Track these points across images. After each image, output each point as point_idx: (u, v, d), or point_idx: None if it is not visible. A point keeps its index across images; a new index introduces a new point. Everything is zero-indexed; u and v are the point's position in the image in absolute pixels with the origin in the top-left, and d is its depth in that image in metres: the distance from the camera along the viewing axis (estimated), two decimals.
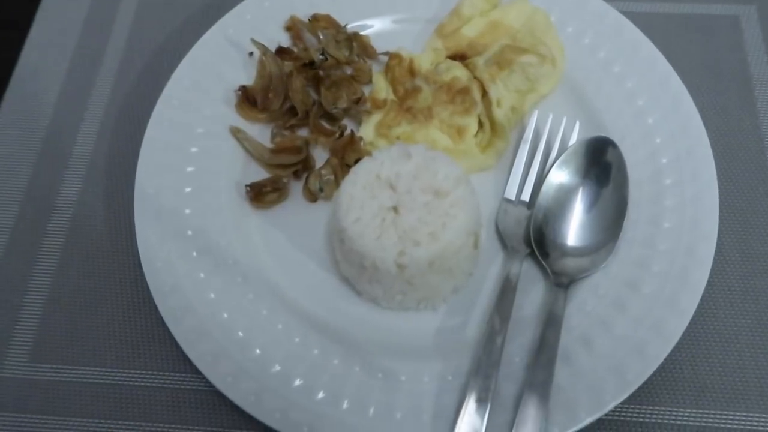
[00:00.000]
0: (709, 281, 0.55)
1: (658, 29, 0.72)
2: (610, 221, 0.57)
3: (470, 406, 0.49)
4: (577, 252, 0.56)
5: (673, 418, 0.54)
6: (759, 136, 0.68)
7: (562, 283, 0.55)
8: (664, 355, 0.51)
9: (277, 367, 0.53)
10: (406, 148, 0.55)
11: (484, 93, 0.65)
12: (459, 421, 0.48)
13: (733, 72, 0.71)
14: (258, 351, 0.54)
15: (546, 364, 0.50)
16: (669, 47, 0.69)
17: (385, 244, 0.51)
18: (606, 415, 0.52)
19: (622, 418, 0.54)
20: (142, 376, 0.58)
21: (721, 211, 0.58)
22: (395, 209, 0.52)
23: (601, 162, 0.59)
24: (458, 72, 0.67)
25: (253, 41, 0.67)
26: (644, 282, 0.55)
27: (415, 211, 0.52)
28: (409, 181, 0.53)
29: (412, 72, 0.68)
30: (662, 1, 0.77)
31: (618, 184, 0.58)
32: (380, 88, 0.68)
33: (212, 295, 0.57)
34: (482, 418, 0.48)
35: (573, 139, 0.62)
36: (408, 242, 0.51)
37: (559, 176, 0.59)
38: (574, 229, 0.57)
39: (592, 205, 0.58)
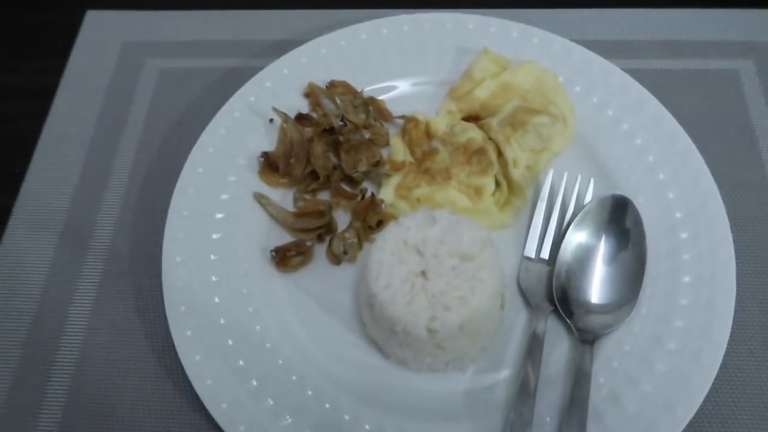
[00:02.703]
0: (731, 334, 0.56)
1: (661, 85, 0.75)
2: (631, 277, 0.58)
3: None
4: (600, 309, 0.58)
5: None
6: (766, 187, 0.70)
7: (587, 339, 0.56)
8: (693, 411, 0.52)
9: None
10: (431, 213, 0.57)
11: (500, 153, 0.68)
12: None
13: (736, 124, 0.74)
14: (289, 419, 0.55)
15: (578, 423, 0.51)
16: (673, 102, 0.72)
17: (416, 309, 0.52)
18: None
19: None
20: None
21: (737, 261, 0.60)
22: (424, 274, 0.54)
23: (618, 219, 0.61)
24: (473, 133, 0.69)
25: (275, 109, 0.70)
26: (667, 337, 0.56)
27: (443, 276, 0.53)
28: (435, 246, 0.54)
29: (428, 134, 0.70)
30: (662, 59, 0.80)
31: (636, 240, 0.60)
32: (398, 150, 0.71)
33: (241, 363, 0.58)
34: None
35: (588, 196, 0.64)
36: (438, 307, 0.52)
37: (579, 234, 0.60)
38: (596, 287, 0.58)
39: (612, 261, 0.59)
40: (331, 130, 0.70)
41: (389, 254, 0.55)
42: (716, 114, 0.75)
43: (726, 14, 0.83)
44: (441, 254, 0.54)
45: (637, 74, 0.75)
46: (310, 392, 0.57)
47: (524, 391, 0.53)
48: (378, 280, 0.54)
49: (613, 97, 0.72)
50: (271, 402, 0.56)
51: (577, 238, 0.60)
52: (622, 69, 0.74)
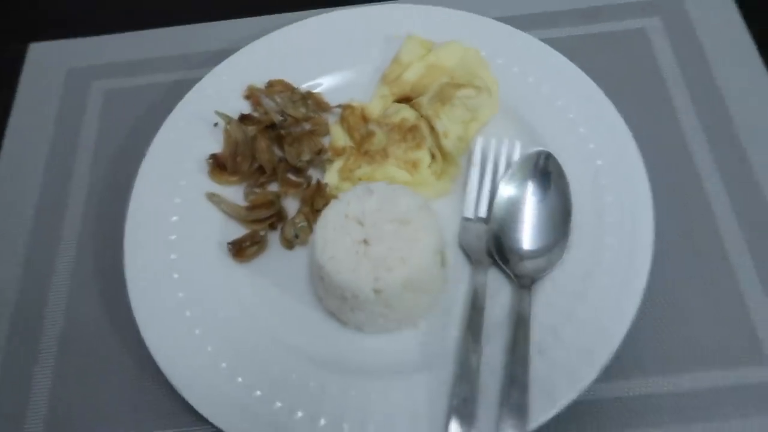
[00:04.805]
0: (654, 260, 0.61)
1: (577, 50, 0.80)
2: (559, 222, 0.63)
3: (458, 407, 0.53)
4: (532, 254, 0.62)
5: (644, 388, 0.60)
6: (679, 130, 0.75)
7: (525, 284, 0.61)
8: (624, 330, 0.57)
9: (279, 404, 0.58)
10: (367, 186, 0.61)
11: (432, 128, 0.73)
12: (451, 423, 0.53)
13: (648, 77, 0.80)
14: (259, 392, 0.59)
15: (521, 359, 0.56)
16: (588, 64, 0.77)
17: (361, 274, 0.56)
18: (583, 396, 0.57)
19: (598, 397, 0.59)
20: None
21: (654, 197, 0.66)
22: (366, 242, 0.58)
23: (542, 171, 0.66)
24: (406, 113, 0.74)
25: (217, 113, 0.74)
26: (598, 271, 0.61)
27: (384, 241, 0.58)
28: (374, 215, 0.59)
29: (364, 119, 0.75)
30: (576, 26, 0.86)
31: (560, 188, 0.65)
32: (338, 137, 0.75)
33: (210, 349, 0.62)
34: (471, 417, 0.53)
35: (516, 157, 0.69)
36: (381, 269, 0.56)
37: (508, 190, 0.65)
38: (527, 234, 0.63)
39: (539, 210, 0.64)
40: (273, 126, 0.74)
41: (332, 229, 0.59)
42: (629, 69, 0.81)
43: None
44: (380, 222, 0.58)
45: (554, 42, 0.80)
46: (277, 367, 0.60)
47: (472, 338, 0.58)
48: (324, 253, 0.58)
49: (533, 65, 0.77)
50: (241, 380, 0.59)
51: (506, 192, 0.65)
52: (540, 39, 0.80)
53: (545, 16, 0.87)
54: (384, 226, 0.58)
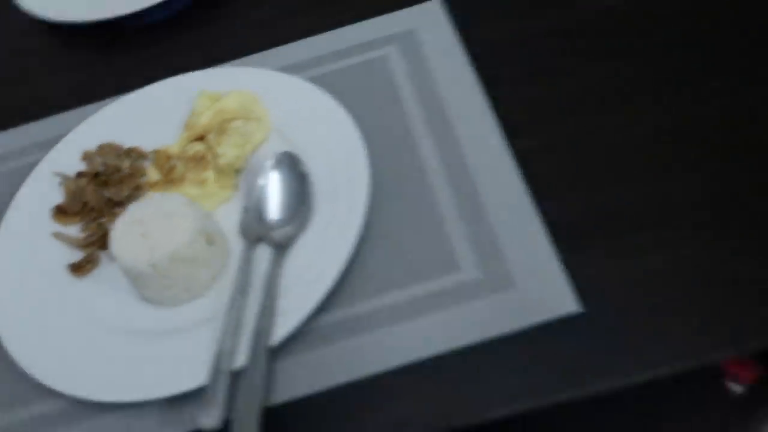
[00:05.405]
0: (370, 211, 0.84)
1: (336, 82, 1.05)
2: (299, 200, 0.86)
3: (222, 351, 0.75)
4: (279, 224, 0.85)
5: (368, 306, 0.79)
6: (408, 129, 1.00)
7: (279, 250, 0.83)
8: (342, 262, 0.79)
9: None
10: (147, 198, 0.85)
11: (216, 155, 0.97)
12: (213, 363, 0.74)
13: (386, 91, 1.05)
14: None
15: (269, 310, 0.77)
16: (343, 90, 1.02)
17: (139, 254, 0.78)
18: (316, 323, 0.78)
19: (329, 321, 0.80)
20: None
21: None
22: (143, 235, 0.80)
23: (286, 163, 0.89)
24: (198, 147, 0.98)
25: (55, 173, 0.98)
26: (328, 227, 0.84)
27: (156, 230, 0.80)
28: (150, 216, 0.81)
29: (169, 157, 0.99)
30: (336, 62, 1.12)
31: (301, 175, 0.88)
32: (152, 174, 0.99)
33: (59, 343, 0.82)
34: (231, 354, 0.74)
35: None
36: (153, 249, 0.78)
37: (260, 180, 0.89)
38: (274, 208, 0.86)
39: (283, 191, 0.87)
40: (97, 174, 0.97)
41: (120, 231, 0.81)
42: (371, 88, 1.05)
43: (375, 21, 1.16)
44: (153, 219, 0.81)
45: (318, 78, 1.06)
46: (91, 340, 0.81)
47: (234, 299, 0.79)
48: (116, 251, 0.80)
49: (295, 97, 1.02)
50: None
51: (260, 182, 0.89)
52: (308, 78, 1.06)
53: (313, 60, 1.13)
54: (156, 221, 0.80)
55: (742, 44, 0.97)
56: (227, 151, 0.96)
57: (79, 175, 0.99)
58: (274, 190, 0.88)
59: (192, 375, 0.74)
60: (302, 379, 0.76)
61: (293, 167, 0.89)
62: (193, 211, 0.82)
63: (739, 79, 0.93)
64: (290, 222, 0.85)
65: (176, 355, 0.77)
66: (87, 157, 1.02)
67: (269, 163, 0.90)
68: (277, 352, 0.78)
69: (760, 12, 1.01)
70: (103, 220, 0.95)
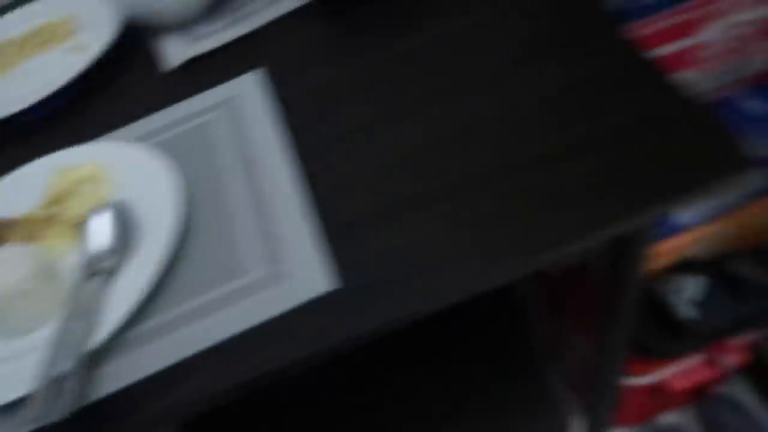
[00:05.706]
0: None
1: (175, 145, 1.28)
2: (123, 233, 1.06)
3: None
4: (105, 256, 1.04)
5: (186, 307, 0.98)
6: (218, 171, 1.21)
7: (107, 278, 1.01)
8: (149, 283, 0.97)
9: None
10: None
11: (66, 210, 1.16)
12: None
13: (208, 149, 1.27)
14: None
15: (89, 322, 0.94)
16: (178, 151, 1.24)
17: None
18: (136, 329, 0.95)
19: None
20: None
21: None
22: None
23: (114, 209, 1.09)
24: (54, 208, 1.18)
25: None
26: (145, 254, 1.03)
27: None
28: None
29: (24, 221, 1.18)
30: (174, 129, 1.34)
31: (124, 214, 1.08)
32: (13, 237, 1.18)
33: None
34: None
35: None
36: None
37: (92, 226, 1.08)
38: (103, 245, 1.05)
39: (110, 230, 1.07)
40: None
41: None
42: (200, 145, 1.27)
43: (208, 93, 1.40)
44: None
45: (162, 143, 1.28)
46: None
47: (63, 323, 0.96)
48: None
49: (135, 160, 1.23)
50: None
51: (91, 227, 1.08)
52: (154, 143, 1.28)
53: (160, 128, 1.34)
54: None
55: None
56: (74, 207, 1.16)
57: None
58: (103, 231, 1.07)
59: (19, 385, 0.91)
60: (119, 375, 0.93)
61: (121, 212, 1.09)
62: (23, 257, 1.01)
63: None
64: (114, 255, 1.04)
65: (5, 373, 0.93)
66: None
67: (102, 211, 1.10)
68: (98, 357, 0.94)
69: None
70: None
